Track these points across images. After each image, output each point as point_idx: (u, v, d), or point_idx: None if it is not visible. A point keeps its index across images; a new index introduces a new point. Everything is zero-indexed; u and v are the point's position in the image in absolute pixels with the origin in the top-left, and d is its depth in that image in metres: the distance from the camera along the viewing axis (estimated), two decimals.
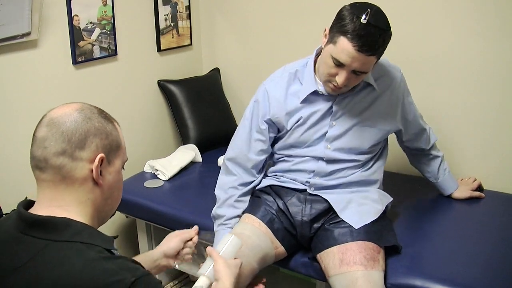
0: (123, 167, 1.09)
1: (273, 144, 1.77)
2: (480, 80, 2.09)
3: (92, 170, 0.99)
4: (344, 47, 1.44)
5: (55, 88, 2.12)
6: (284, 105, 1.67)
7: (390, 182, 1.93)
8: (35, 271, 0.91)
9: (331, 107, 1.64)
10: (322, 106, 1.64)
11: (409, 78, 1.74)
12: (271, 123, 1.71)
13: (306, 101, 1.65)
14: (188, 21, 2.73)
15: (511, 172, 2.11)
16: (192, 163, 2.44)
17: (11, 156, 1.99)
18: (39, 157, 0.98)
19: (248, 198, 1.78)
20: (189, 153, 2.43)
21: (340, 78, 1.50)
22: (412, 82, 1.77)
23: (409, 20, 2.16)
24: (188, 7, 2.71)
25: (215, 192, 1.80)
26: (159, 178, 2.28)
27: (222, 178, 1.81)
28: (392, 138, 1.82)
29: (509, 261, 1.59)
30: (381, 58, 1.67)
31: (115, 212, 1.14)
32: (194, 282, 1.29)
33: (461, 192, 1.97)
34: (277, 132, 1.74)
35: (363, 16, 1.42)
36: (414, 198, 2.02)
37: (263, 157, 1.75)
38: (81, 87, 2.23)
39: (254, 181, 1.78)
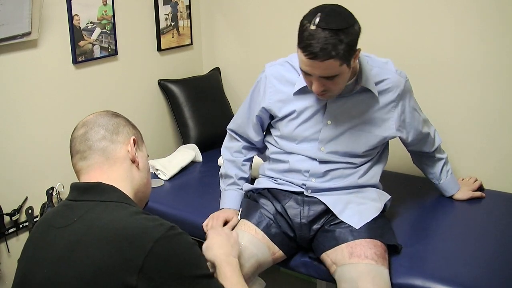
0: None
1: (269, 133, 1.79)
2: (481, 81, 2.09)
3: (128, 151, 1.18)
4: (300, 58, 1.44)
5: (55, 88, 2.12)
6: (279, 91, 1.68)
7: (390, 182, 1.93)
8: (88, 222, 1.05)
9: (325, 105, 1.62)
10: (315, 102, 1.63)
11: (412, 80, 1.73)
12: (264, 111, 1.73)
13: (301, 92, 1.64)
14: (189, 20, 2.73)
15: (511, 171, 2.12)
16: (193, 162, 2.44)
17: (11, 155, 1.99)
18: (83, 149, 1.15)
19: (250, 165, 1.87)
20: (189, 152, 2.43)
21: (314, 87, 1.50)
22: (415, 84, 1.77)
23: (413, 24, 2.17)
24: (189, 7, 2.71)
25: (221, 151, 1.91)
26: (159, 178, 2.28)
27: (227, 143, 1.91)
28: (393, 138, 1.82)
29: (510, 261, 1.58)
30: (386, 64, 1.66)
31: (147, 203, 1.29)
32: None
33: (462, 193, 1.97)
34: (271, 118, 1.76)
35: (313, 22, 1.37)
36: (414, 198, 2.01)
37: (260, 136, 1.82)
38: (81, 87, 2.23)
39: (256, 147, 1.87)
